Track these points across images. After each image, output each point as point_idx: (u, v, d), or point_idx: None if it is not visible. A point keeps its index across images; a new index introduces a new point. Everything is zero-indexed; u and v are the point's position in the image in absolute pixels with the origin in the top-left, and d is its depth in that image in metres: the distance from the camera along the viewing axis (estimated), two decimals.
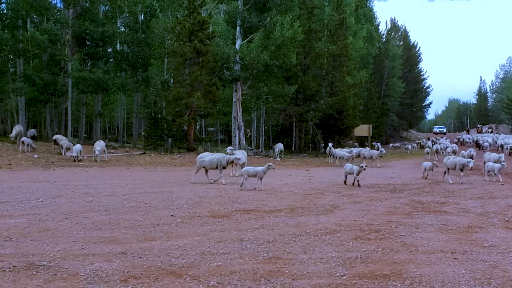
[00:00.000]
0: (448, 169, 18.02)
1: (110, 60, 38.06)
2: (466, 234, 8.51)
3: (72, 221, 8.96)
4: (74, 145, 25.97)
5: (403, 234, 8.39)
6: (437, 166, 19.32)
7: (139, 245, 7.17)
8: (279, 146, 33.62)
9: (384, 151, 31.13)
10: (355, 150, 29.88)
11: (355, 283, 5.60)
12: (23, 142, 25.33)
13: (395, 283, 5.60)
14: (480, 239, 8.12)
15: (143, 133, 42.09)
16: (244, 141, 35.90)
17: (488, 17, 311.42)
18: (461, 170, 17.52)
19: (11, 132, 28.62)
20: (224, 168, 16.46)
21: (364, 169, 16.05)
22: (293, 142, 42.46)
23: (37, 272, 5.75)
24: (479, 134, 62.07)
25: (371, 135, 46.34)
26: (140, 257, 6.50)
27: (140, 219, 9.25)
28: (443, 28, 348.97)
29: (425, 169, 19.30)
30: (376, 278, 5.78)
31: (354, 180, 16.13)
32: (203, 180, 16.62)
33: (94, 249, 6.86)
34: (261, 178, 14.66)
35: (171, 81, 33.43)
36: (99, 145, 25.29)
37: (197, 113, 31.68)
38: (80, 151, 24.44)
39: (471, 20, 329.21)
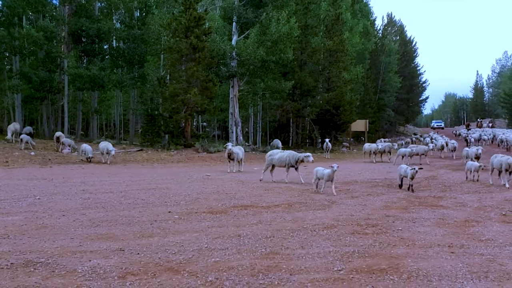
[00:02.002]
0: (499, 171, 15.47)
1: (106, 57, 38.00)
2: (463, 228, 8.54)
3: (69, 218, 8.95)
4: (72, 143, 26.03)
5: (400, 228, 8.42)
6: (482, 169, 16.64)
7: (136, 242, 7.18)
8: (279, 142, 33.58)
9: (432, 146, 29.55)
10: (413, 147, 27.44)
11: (352, 277, 5.62)
12: (21, 140, 25.30)
13: (393, 277, 5.63)
14: (477, 233, 8.15)
15: (139, 130, 42.07)
16: (241, 137, 35.90)
17: (485, 11, 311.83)
18: (508, 171, 14.88)
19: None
20: (292, 167, 15.66)
21: (417, 172, 13.74)
22: (290, 138, 42.47)
23: (35, 269, 5.75)
24: (478, 129, 61.52)
25: (367, 130, 46.38)
26: (138, 254, 6.50)
27: (138, 216, 9.25)
28: (440, 23, 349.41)
29: (471, 171, 16.75)
30: (374, 272, 5.80)
31: (410, 186, 13.94)
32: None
33: (91, 246, 6.86)
34: (331, 181, 13.01)
35: (168, 78, 33.35)
36: (110, 145, 23.54)
37: (194, 109, 31.62)
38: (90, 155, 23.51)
39: (468, 14, 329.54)
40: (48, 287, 5.14)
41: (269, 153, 16.72)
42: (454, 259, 6.42)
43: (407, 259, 6.40)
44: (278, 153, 16.28)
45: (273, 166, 16.29)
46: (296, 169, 15.69)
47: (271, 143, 34.59)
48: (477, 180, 16.38)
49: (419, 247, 7.07)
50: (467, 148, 24.02)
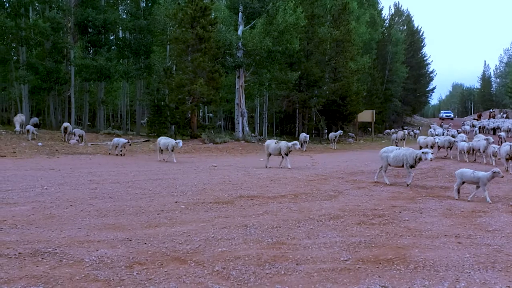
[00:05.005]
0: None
1: (113, 48, 37.95)
2: (470, 219, 8.51)
3: (76, 208, 9.00)
4: (83, 133, 25.99)
5: (406, 219, 8.40)
6: None
7: (143, 232, 7.20)
8: (307, 137, 30.88)
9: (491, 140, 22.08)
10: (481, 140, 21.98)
11: (359, 267, 5.62)
12: (28, 131, 25.47)
13: (399, 268, 5.62)
14: (484, 223, 8.12)
15: (143, 122, 42.13)
16: (247, 128, 35.87)
17: (492, 0, 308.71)
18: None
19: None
20: (412, 167, 13.14)
21: None
22: (297, 128, 42.40)
23: (42, 258, 5.78)
24: (491, 120, 60.28)
25: (374, 120, 46.22)
26: (145, 243, 6.52)
27: (145, 206, 9.28)
28: (447, 12, 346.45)
29: None
30: (380, 263, 5.80)
31: None
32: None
33: (99, 236, 6.89)
34: (484, 185, 10.59)
35: (174, 68, 33.36)
36: (173, 140, 20.50)
37: (200, 100, 31.63)
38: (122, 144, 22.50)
39: (475, 4, 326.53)
40: (55, 276, 5.17)
41: (383, 149, 14.18)
42: (461, 250, 6.40)
43: (414, 249, 6.39)
44: (393, 150, 13.74)
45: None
46: (412, 167, 13.23)
47: (299, 138, 32.90)
48: None
49: (425, 238, 7.05)
50: (494, 145, 19.56)
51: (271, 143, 18.45)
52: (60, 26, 32.50)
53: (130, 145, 22.91)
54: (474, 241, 6.90)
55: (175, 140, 20.05)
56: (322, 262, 5.80)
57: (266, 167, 17.97)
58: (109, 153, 22.75)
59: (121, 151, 22.39)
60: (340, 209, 9.21)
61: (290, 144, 17.70)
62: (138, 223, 7.83)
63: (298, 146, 18.02)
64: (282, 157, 17.95)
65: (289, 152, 17.75)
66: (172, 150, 19.90)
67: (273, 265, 5.67)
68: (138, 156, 22.89)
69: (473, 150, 21.28)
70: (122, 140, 22.38)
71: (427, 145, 23.27)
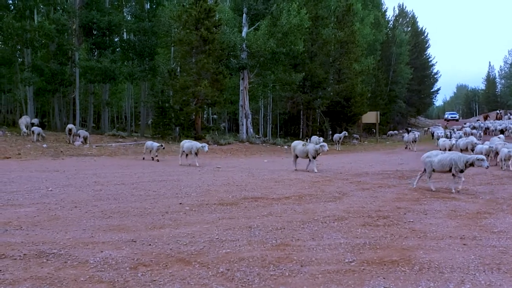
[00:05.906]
0: None
1: (117, 49, 38.08)
2: (475, 220, 8.47)
3: (81, 209, 9.01)
4: (88, 134, 25.98)
5: (411, 220, 8.37)
6: None
7: (148, 233, 7.21)
8: (320, 140, 28.72)
9: None
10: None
11: (363, 269, 5.60)
12: (33, 132, 25.56)
13: (404, 269, 5.60)
14: (489, 225, 8.08)
15: (149, 122, 42.15)
16: (251, 129, 35.88)
17: (497, 1, 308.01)
18: None
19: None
20: (461, 171, 11.76)
21: None
22: (301, 130, 42.39)
23: (47, 260, 5.79)
24: (497, 121, 59.80)
25: (379, 122, 46.16)
26: (150, 245, 6.53)
27: (149, 207, 9.29)
28: (451, 13, 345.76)
29: None
30: (385, 264, 5.78)
31: None
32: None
33: (103, 237, 6.90)
34: None
35: (178, 70, 33.43)
36: (198, 143, 19.93)
37: (204, 101, 31.70)
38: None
39: (480, 4, 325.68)
40: (60, 278, 5.18)
41: (426, 154, 12.82)
42: (466, 251, 6.38)
43: (419, 250, 6.37)
44: (438, 154, 12.47)
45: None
46: (461, 171, 11.83)
47: (310, 140, 31.75)
48: None
49: (430, 239, 7.03)
50: (507, 147, 17.90)
51: (298, 144, 17.79)
52: (65, 28, 32.63)
53: (163, 148, 22.50)
54: (479, 242, 6.87)
55: (201, 144, 19.49)
56: (327, 264, 5.79)
57: (295, 170, 17.43)
58: (143, 158, 22.10)
59: (157, 155, 22.01)
60: (345, 211, 9.19)
61: (317, 146, 16.96)
62: (142, 224, 7.83)
63: (326, 148, 17.08)
64: (309, 160, 17.27)
65: (317, 155, 17.06)
66: (196, 154, 19.29)
67: (277, 266, 5.66)
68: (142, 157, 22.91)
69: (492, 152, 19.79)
70: (155, 144, 21.91)
71: (445, 148, 22.42)
